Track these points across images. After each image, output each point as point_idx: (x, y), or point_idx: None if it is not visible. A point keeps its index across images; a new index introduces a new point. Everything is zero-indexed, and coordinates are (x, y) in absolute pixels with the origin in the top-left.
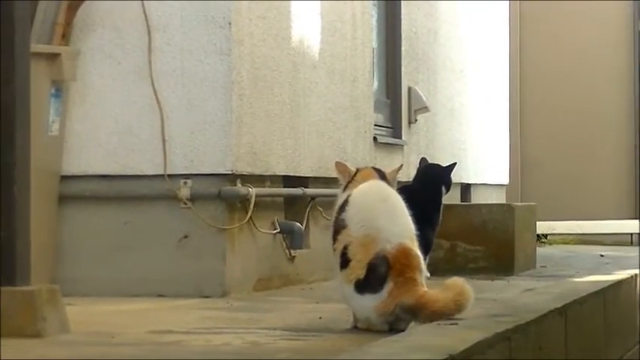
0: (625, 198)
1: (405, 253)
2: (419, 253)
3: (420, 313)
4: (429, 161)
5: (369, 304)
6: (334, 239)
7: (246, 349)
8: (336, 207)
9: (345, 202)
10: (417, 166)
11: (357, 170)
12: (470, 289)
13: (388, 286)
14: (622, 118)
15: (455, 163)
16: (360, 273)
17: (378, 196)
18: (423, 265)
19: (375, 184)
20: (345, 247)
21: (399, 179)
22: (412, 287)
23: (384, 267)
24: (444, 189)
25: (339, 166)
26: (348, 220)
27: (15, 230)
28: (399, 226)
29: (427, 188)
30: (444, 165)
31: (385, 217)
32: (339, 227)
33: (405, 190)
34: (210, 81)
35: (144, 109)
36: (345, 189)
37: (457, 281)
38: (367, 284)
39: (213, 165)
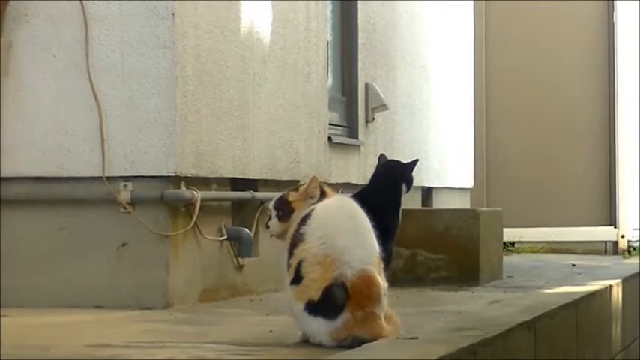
0: (598, 203)
1: (367, 281)
2: (382, 280)
3: None
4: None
5: (321, 328)
6: (290, 253)
7: None
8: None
9: (307, 216)
10: (376, 163)
11: (322, 186)
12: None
13: (345, 317)
14: (595, 119)
15: (417, 160)
16: (314, 295)
17: (344, 212)
18: (385, 292)
19: (342, 199)
20: (300, 262)
21: (356, 182)
22: (371, 323)
23: (342, 295)
24: (404, 187)
25: (316, 182)
26: (308, 233)
27: None
28: (364, 249)
29: (386, 186)
30: (405, 162)
31: (350, 236)
32: (296, 241)
33: (361, 193)
34: (152, 76)
35: (81, 107)
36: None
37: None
38: (321, 309)
39: (155, 167)
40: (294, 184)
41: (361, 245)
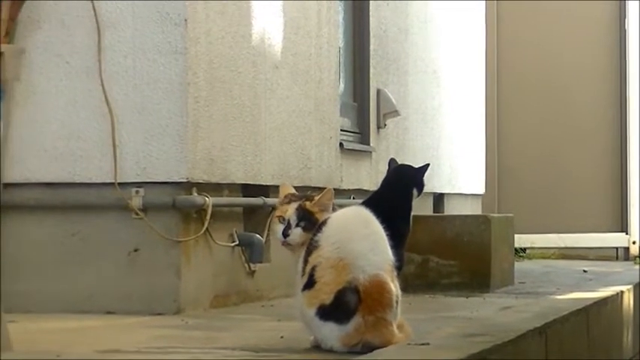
0: (610, 209)
1: (379, 287)
2: (394, 286)
3: None
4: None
5: (333, 333)
6: (305, 261)
7: None
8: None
9: (323, 223)
10: (387, 168)
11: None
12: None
13: (356, 322)
14: (606, 124)
15: (428, 164)
16: (326, 298)
17: (360, 220)
18: (398, 299)
19: (357, 209)
20: (313, 268)
21: (368, 188)
22: (381, 329)
23: (354, 299)
24: (415, 191)
25: (330, 193)
26: (323, 240)
27: None
28: (378, 255)
29: (397, 190)
30: (416, 166)
31: (364, 242)
32: (311, 248)
33: (372, 197)
34: (164, 82)
35: (93, 112)
36: None
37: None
38: (332, 313)
39: (167, 172)
40: (303, 190)
41: (375, 251)
